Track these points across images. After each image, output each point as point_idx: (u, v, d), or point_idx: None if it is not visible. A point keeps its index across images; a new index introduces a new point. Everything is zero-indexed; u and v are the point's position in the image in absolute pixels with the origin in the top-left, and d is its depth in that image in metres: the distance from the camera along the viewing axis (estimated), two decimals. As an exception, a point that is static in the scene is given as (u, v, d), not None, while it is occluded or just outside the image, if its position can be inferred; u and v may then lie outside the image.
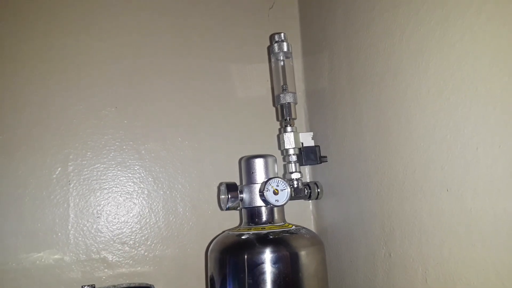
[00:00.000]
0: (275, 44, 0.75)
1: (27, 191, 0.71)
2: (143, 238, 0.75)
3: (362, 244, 0.67)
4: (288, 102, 0.74)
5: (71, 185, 0.73)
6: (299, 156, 0.73)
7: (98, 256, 0.72)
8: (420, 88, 0.52)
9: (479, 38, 0.44)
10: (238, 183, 0.69)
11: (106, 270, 0.72)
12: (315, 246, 0.63)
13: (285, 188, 0.65)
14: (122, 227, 0.74)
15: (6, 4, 0.75)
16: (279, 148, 0.80)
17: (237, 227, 0.71)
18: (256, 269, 0.58)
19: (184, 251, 0.76)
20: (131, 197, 0.76)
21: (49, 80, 0.75)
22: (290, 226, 0.66)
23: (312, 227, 0.84)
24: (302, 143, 0.76)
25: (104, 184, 0.75)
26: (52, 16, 0.77)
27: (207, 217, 0.78)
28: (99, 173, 0.75)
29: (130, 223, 0.75)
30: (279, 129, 0.83)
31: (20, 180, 0.71)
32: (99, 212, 0.74)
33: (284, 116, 0.74)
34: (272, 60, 0.78)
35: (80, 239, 0.72)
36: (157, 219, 0.76)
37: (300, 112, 0.86)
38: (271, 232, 0.62)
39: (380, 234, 0.61)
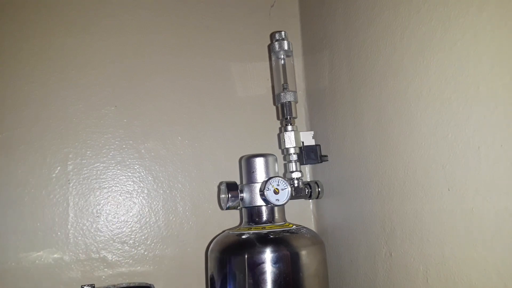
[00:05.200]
0: (276, 43, 0.75)
1: (26, 190, 0.70)
2: (143, 237, 0.75)
3: (362, 244, 0.66)
4: (289, 101, 0.74)
5: (71, 184, 0.73)
6: (299, 155, 0.73)
7: (98, 255, 0.72)
8: (421, 87, 0.52)
9: (480, 37, 0.43)
10: (238, 182, 0.69)
11: (106, 269, 0.72)
12: (315, 246, 0.63)
13: (286, 187, 0.65)
14: (122, 226, 0.74)
15: (6, 3, 0.74)
16: (280, 147, 0.80)
17: (237, 226, 0.71)
18: (256, 268, 0.58)
19: (184, 250, 0.76)
20: (131, 196, 0.75)
21: (49, 79, 0.74)
22: (291, 225, 0.66)
23: (312, 226, 0.84)
24: (303, 142, 0.75)
25: (104, 183, 0.74)
26: (52, 15, 0.76)
27: (207, 216, 0.78)
28: (98, 172, 0.74)
29: (129, 222, 0.75)
30: (280, 128, 0.83)
31: (19, 179, 0.70)
32: (98, 211, 0.73)
33: (285, 115, 0.74)
34: (273, 58, 0.77)
35: (79, 238, 0.71)
36: (157, 218, 0.76)
37: (301, 111, 0.86)
38: (271, 231, 0.62)
39: (381, 233, 0.61)
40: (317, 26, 0.81)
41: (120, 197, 0.75)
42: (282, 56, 0.76)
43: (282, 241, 0.61)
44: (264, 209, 0.66)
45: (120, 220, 0.74)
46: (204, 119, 0.81)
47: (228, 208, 0.67)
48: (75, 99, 0.75)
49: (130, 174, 0.76)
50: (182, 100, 0.80)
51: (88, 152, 0.74)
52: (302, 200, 0.82)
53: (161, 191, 0.77)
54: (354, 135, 0.68)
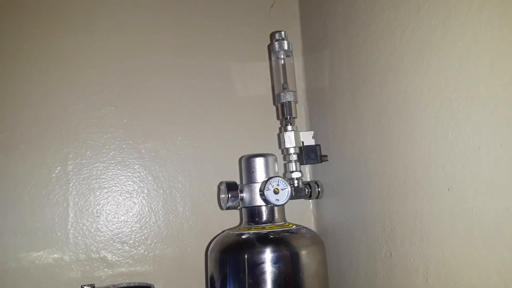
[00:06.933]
0: (276, 43, 0.75)
1: (26, 190, 0.70)
2: (143, 237, 0.75)
3: (362, 244, 0.66)
4: (289, 101, 0.73)
5: (71, 184, 0.73)
6: (299, 155, 0.73)
7: (98, 255, 0.72)
8: (421, 87, 0.52)
9: (480, 36, 0.43)
10: (238, 182, 0.69)
11: (106, 269, 0.72)
12: (315, 246, 0.63)
13: (286, 187, 0.65)
14: (122, 226, 0.74)
15: (6, 3, 0.74)
16: (280, 147, 0.80)
17: (237, 226, 0.71)
18: (256, 268, 0.58)
19: (184, 250, 0.76)
20: (131, 196, 0.75)
21: (49, 79, 0.74)
22: (291, 225, 0.66)
23: (312, 226, 0.84)
24: (303, 142, 0.75)
25: (104, 183, 0.74)
26: (52, 15, 0.76)
27: (207, 216, 0.78)
28: (98, 172, 0.74)
29: (129, 222, 0.75)
30: (280, 128, 0.83)
31: (19, 179, 0.70)
32: (98, 211, 0.73)
33: (285, 115, 0.74)
34: (273, 58, 0.77)
35: (79, 238, 0.71)
36: (157, 218, 0.76)
37: (301, 111, 0.86)
38: (271, 231, 0.62)
39: (381, 233, 0.61)
40: (317, 26, 0.81)
41: (120, 197, 0.75)
42: (282, 56, 0.76)
43: (282, 241, 0.61)
44: (264, 209, 0.66)
45: (120, 220, 0.74)
46: (204, 119, 0.81)
47: (228, 208, 0.67)
48: (75, 99, 0.75)
49: (130, 174, 0.76)
50: (182, 100, 0.80)
51: (88, 152, 0.74)
52: (302, 200, 0.82)
53: (161, 191, 0.77)
54: (354, 135, 0.68)
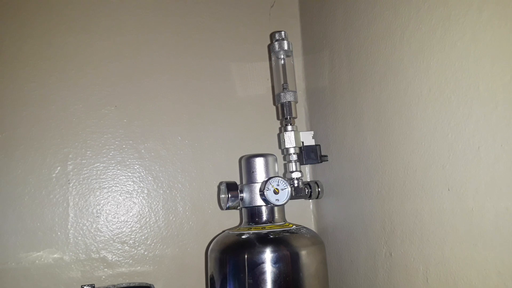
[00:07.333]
0: (276, 43, 0.75)
1: (26, 190, 0.70)
2: (143, 237, 0.75)
3: (362, 244, 0.66)
4: (289, 101, 0.74)
5: (71, 184, 0.73)
6: (299, 155, 0.73)
7: (98, 255, 0.72)
8: (421, 87, 0.52)
9: (480, 36, 0.43)
10: (238, 182, 0.69)
11: (106, 269, 0.72)
12: (315, 246, 0.63)
13: (286, 187, 0.65)
14: (122, 226, 0.74)
15: (6, 3, 0.74)
16: (280, 147, 0.80)
17: (237, 226, 0.71)
18: (256, 268, 0.58)
19: (184, 250, 0.76)
20: (131, 196, 0.75)
21: (49, 79, 0.74)
22: (291, 225, 0.66)
23: (312, 226, 0.84)
24: (303, 142, 0.75)
25: (104, 183, 0.74)
26: (52, 15, 0.76)
27: (207, 216, 0.78)
28: (98, 172, 0.74)
29: (129, 222, 0.75)
30: (280, 128, 0.83)
31: (19, 179, 0.70)
32: (98, 211, 0.73)
33: (285, 115, 0.74)
34: (273, 58, 0.77)
35: (79, 238, 0.71)
36: (157, 218, 0.76)
37: (301, 111, 0.86)
38: (271, 231, 0.62)
39: (381, 233, 0.61)
40: (317, 26, 0.81)
41: (120, 197, 0.75)
42: (282, 56, 0.76)
43: (282, 241, 0.61)
44: (264, 209, 0.66)
45: (120, 220, 0.74)
46: (204, 119, 0.81)
47: (228, 208, 0.67)
48: (75, 99, 0.75)
49: (130, 174, 0.76)
50: (182, 100, 0.80)
51: (88, 152, 0.74)
52: (302, 200, 0.82)
53: (161, 191, 0.77)
54: (354, 135, 0.68)
